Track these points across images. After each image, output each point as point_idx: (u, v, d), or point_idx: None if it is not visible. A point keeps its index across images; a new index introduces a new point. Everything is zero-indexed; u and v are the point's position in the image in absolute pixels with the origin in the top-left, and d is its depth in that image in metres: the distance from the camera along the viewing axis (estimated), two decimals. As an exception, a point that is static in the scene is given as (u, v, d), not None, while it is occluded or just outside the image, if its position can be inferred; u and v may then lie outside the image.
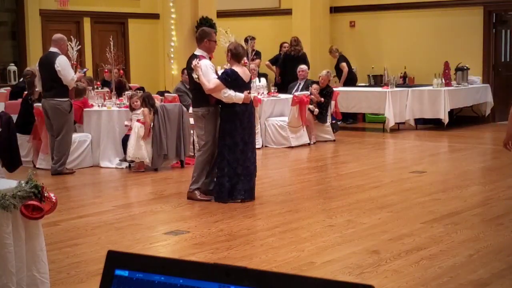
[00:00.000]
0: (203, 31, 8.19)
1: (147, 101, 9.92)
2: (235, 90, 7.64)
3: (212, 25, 14.83)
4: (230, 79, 7.64)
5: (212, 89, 7.65)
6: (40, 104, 10.27)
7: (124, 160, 10.13)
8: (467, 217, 7.00)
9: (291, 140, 12.00)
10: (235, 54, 7.81)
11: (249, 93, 7.84)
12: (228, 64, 8.21)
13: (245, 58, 12.81)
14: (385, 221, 6.87)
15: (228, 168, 7.70)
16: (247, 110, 7.76)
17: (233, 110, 7.68)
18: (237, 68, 7.79)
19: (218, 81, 7.64)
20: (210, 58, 8.03)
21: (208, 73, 7.68)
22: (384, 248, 5.89)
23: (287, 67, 14.65)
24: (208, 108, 7.78)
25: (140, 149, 9.79)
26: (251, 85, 9.40)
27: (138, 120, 9.85)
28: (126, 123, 10.20)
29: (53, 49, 9.76)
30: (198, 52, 7.96)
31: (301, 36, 15.17)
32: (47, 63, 9.70)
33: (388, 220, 6.91)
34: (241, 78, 7.72)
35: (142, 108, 9.89)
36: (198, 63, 7.72)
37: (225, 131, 7.71)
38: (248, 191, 7.81)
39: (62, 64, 9.55)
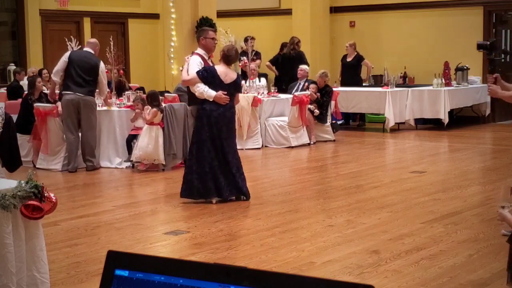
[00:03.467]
0: (199, 30, 8.34)
1: (151, 100, 9.86)
2: (210, 88, 7.58)
3: (212, 25, 14.84)
4: (207, 74, 7.59)
5: (187, 81, 7.75)
6: (40, 104, 10.27)
7: (132, 162, 10.04)
8: (467, 217, 7.00)
9: (291, 140, 11.99)
10: (226, 56, 7.75)
11: (227, 95, 7.61)
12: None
13: (244, 58, 12.84)
14: (385, 221, 6.87)
15: (196, 166, 7.64)
16: (217, 110, 7.60)
17: (202, 107, 7.64)
18: (220, 67, 7.73)
19: (195, 75, 7.63)
20: (209, 57, 8.06)
21: (192, 67, 7.72)
22: (384, 248, 5.89)
23: (285, 67, 14.67)
24: (197, 106, 7.80)
25: (157, 151, 9.73)
26: (245, 87, 9.42)
27: (147, 122, 9.78)
28: (132, 118, 10.18)
29: (89, 49, 10.17)
30: (197, 50, 8.07)
31: (301, 36, 15.16)
32: (86, 61, 9.99)
33: (388, 220, 6.91)
34: (218, 77, 7.61)
35: (149, 107, 9.85)
36: (188, 58, 7.94)
37: (195, 129, 7.74)
38: (219, 190, 7.69)
39: (104, 73, 10.14)
